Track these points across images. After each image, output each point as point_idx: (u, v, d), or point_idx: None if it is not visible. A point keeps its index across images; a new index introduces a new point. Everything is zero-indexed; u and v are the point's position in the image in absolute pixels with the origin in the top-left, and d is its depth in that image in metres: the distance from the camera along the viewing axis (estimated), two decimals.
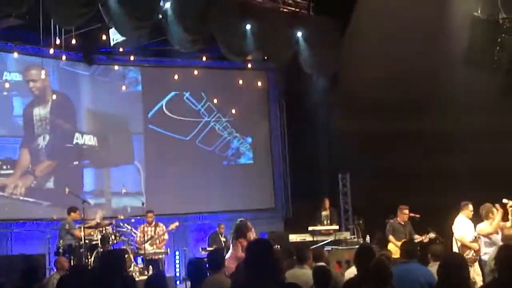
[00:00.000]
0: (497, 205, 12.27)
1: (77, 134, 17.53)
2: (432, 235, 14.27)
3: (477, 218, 12.91)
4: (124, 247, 14.72)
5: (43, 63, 16.27)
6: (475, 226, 12.72)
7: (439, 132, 16.64)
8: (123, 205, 17.65)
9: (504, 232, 11.23)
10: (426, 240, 14.13)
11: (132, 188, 17.84)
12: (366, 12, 16.51)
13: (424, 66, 16.29)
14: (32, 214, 16.42)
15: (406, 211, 14.81)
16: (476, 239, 12.68)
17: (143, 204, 16.03)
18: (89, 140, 17.71)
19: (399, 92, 16.66)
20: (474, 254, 12.27)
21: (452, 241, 13.14)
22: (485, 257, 11.63)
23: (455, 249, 12.86)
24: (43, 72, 16.35)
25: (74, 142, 17.48)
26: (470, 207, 13.04)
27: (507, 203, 12.10)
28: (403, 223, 14.77)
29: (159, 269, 14.68)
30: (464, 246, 12.54)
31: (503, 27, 13.65)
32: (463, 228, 12.87)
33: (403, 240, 13.87)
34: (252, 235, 11.51)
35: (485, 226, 12.02)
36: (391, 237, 14.65)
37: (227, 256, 11.66)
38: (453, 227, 13.10)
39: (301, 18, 16.23)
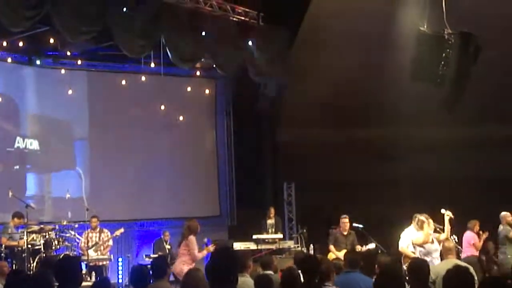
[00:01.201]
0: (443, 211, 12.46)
1: (18, 138, 17.17)
2: (371, 245, 14.42)
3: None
4: (67, 252, 14.56)
5: None
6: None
7: (384, 143, 16.93)
8: (65, 210, 17.38)
9: (444, 244, 11.42)
10: (363, 250, 14.26)
11: (75, 194, 17.60)
12: (315, 23, 16.69)
13: (371, 78, 16.55)
14: None
15: (346, 220, 14.91)
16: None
17: (87, 209, 15.86)
18: (31, 144, 17.39)
19: (346, 102, 16.89)
20: None
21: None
22: None
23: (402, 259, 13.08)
24: None
25: (15, 146, 17.14)
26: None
27: (444, 213, 12.31)
28: (345, 233, 14.88)
29: (103, 275, 14.55)
30: (406, 257, 12.74)
31: (448, 43, 13.89)
32: (407, 239, 13.11)
33: (343, 250, 14.06)
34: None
35: (419, 237, 12.20)
36: (331, 247, 14.79)
37: (178, 260, 11.76)
38: (400, 236, 13.32)
39: (250, 28, 16.30)
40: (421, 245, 11.97)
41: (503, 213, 13.97)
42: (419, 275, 6.96)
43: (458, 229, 13.47)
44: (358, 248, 14.46)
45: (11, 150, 17.07)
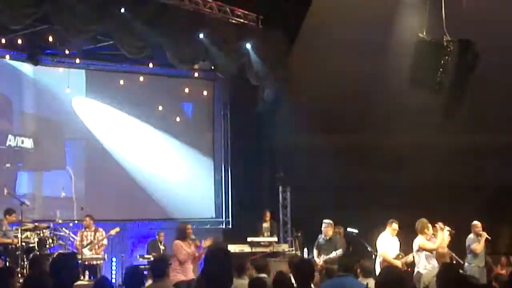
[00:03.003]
0: (440, 223, 12.53)
1: (10, 136, 17.09)
2: (339, 252, 14.31)
3: (408, 233, 13.20)
4: (61, 251, 14.53)
5: None
6: (401, 243, 13.11)
7: (381, 148, 16.90)
8: (55, 209, 17.34)
9: (438, 250, 11.51)
10: (337, 256, 14.19)
11: (66, 193, 17.56)
12: (314, 27, 16.69)
13: (370, 82, 16.54)
14: None
15: (324, 226, 14.69)
16: (398, 256, 13.07)
17: (81, 209, 15.82)
18: (22, 142, 17.30)
19: (344, 106, 16.89)
20: None
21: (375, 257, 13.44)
22: (423, 271, 11.84)
23: (377, 264, 13.11)
24: None
25: (7, 144, 17.05)
26: (395, 225, 13.44)
27: (443, 228, 12.39)
28: (327, 238, 14.72)
29: (97, 275, 14.53)
30: (385, 262, 12.79)
31: (447, 50, 13.93)
32: (386, 244, 13.20)
33: (322, 256, 14.12)
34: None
35: (426, 241, 12.28)
36: (314, 251, 14.80)
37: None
38: (377, 242, 13.38)
39: (249, 30, 16.34)
40: (430, 251, 12.05)
41: (473, 222, 13.96)
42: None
43: (460, 234, 13.48)
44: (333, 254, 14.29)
45: (3, 148, 17.00)
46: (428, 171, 16.54)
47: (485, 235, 13.79)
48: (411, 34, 14.57)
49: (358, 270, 9.25)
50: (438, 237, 12.33)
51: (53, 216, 16.65)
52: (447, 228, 12.45)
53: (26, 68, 17.28)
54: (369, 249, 13.95)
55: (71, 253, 10.48)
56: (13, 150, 17.18)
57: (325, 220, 14.70)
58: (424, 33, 14.05)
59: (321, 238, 14.74)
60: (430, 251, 12.07)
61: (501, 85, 15.89)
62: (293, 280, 7.92)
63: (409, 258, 13.02)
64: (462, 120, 15.68)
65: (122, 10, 13.57)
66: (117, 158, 18.33)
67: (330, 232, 14.63)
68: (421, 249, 12.29)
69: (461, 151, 16.33)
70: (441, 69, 14.09)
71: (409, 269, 12.90)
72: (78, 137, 18.31)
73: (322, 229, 14.68)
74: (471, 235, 13.88)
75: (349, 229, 15.05)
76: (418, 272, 12.13)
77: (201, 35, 15.26)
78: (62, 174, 17.85)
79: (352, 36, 16.20)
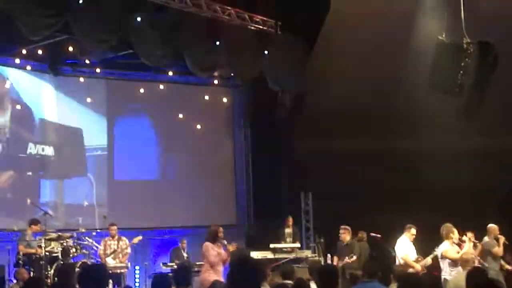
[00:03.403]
0: (470, 234, 12.47)
1: (30, 144, 17.21)
2: (354, 258, 14.29)
3: (426, 239, 13.16)
4: (85, 260, 14.59)
5: (8, 72, 16.15)
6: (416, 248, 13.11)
7: (402, 152, 16.85)
8: (77, 217, 17.41)
9: (463, 256, 11.40)
10: (350, 261, 14.18)
11: (88, 201, 17.64)
12: (333, 32, 16.66)
13: (389, 87, 16.49)
14: None
15: (341, 231, 14.80)
16: (418, 260, 12.98)
17: (104, 217, 15.88)
18: (43, 150, 17.40)
19: (364, 111, 16.84)
20: None
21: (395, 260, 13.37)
22: (448, 277, 11.77)
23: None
24: (7, 82, 16.23)
25: (27, 152, 17.16)
26: (413, 230, 13.35)
27: (468, 237, 12.33)
28: (344, 244, 14.76)
29: (122, 283, 14.58)
30: (407, 265, 12.74)
31: (467, 52, 13.82)
32: (405, 248, 13.13)
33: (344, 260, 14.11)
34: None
35: (450, 249, 12.15)
36: (334, 257, 14.80)
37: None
38: (396, 247, 13.35)
39: (268, 37, 16.33)
40: (452, 259, 11.95)
41: (491, 225, 13.82)
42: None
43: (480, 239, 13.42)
44: (346, 260, 14.28)
45: (24, 156, 17.12)
46: (450, 174, 16.46)
47: (503, 238, 13.66)
48: (430, 36, 14.49)
49: (392, 275, 9.24)
50: (464, 247, 12.23)
51: (76, 223, 16.75)
52: (474, 240, 12.39)
53: (46, 77, 17.42)
54: (393, 254, 13.88)
55: (100, 265, 10.47)
56: (34, 158, 17.32)
57: (342, 226, 14.78)
58: (444, 35, 13.96)
59: (339, 244, 14.83)
60: (452, 260, 11.95)
61: None
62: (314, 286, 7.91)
63: (428, 261, 12.97)
64: (482, 123, 15.57)
65: (139, 19, 13.61)
66: (138, 166, 18.40)
67: (347, 237, 14.71)
68: (444, 257, 12.19)
69: (483, 153, 16.25)
70: (461, 71, 13.97)
71: (435, 273, 12.81)
72: (98, 143, 18.39)
73: (340, 235, 14.75)
74: (486, 238, 13.73)
75: (372, 234, 15.03)
76: (444, 279, 12.03)
77: (220, 42, 15.28)
78: (83, 182, 17.96)
79: (371, 40, 16.18)
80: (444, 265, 12.21)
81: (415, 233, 13.34)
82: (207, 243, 11.93)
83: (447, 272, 12.09)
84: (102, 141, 18.40)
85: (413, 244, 13.40)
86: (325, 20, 16.65)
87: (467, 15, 13.72)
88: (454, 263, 11.87)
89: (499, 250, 13.56)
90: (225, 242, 12.11)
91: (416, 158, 16.91)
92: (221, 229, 12.38)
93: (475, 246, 12.58)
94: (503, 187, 16.47)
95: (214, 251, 11.80)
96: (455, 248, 12.18)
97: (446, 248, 12.18)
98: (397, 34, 15.74)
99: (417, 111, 16.33)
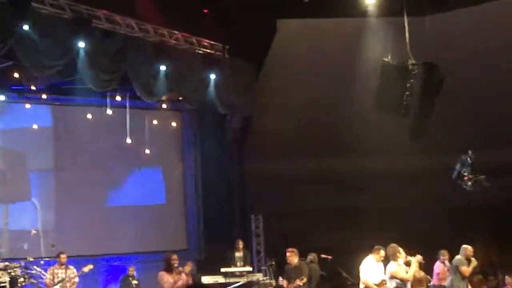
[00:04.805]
0: (419, 256, 12.48)
1: None
2: (304, 279, 14.28)
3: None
4: None
5: None
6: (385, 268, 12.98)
7: (350, 173, 17.01)
8: (23, 243, 17.05)
9: (415, 275, 11.43)
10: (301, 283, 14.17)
11: (33, 226, 17.31)
12: (280, 55, 16.78)
13: (337, 108, 16.65)
14: None
15: (288, 254, 14.67)
16: (382, 283, 12.83)
17: (53, 246, 15.56)
18: None
19: (312, 133, 16.97)
20: None
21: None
22: None
23: None
24: None
25: None
26: (382, 252, 13.02)
27: (415, 258, 12.32)
28: (292, 266, 14.66)
29: None
30: None
31: (412, 73, 14.02)
32: (369, 270, 13.04)
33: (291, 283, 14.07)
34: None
35: (398, 269, 12.10)
36: (284, 281, 14.74)
37: None
38: (360, 267, 13.27)
39: (216, 60, 16.35)
40: (402, 280, 11.91)
41: (465, 245, 13.95)
42: None
43: (427, 259, 13.47)
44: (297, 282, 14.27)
45: None
46: (400, 193, 16.65)
47: (475, 262, 13.75)
48: (376, 58, 14.66)
49: None
50: (412, 266, 12.17)
51: (21, 250, 16.38)
52: (419, 257, 12.35)
53: None
54: (344, 275, 13.92)
55: None
56: None
57: (288, 249, 14.65)
58: (389, 57, 14.13)
59: (287, 267, 14.73)
60: (402, 280, 11.93)
61: (466, 106, 16.12)
62: None
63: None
64: (429, 142, 15.78)
65: (83, 44, 13.49)
66: (85, 192, 18.15)
67: (294, 259, 14.51)
68: (393, 277, 12.14)
69: (429, 172, 16.47)
70: (407, 93, 14.14)
71: None
72: (45, 169, 18.10)
73: (287, 257, 14.64)
74: (458, 256, 13.79)
75: (323, 256, 15.03)
76: None
77: (167, 66, 15.23)
78: (29, 207, 17.63)
79: (318, 63, 16.35)
80: (391, 286, 12.15)
81: (384, 255, 13.11)
82: (162, 272, 11.76)
83: None
84: (47, 166, 18.11)
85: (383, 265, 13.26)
86: (273, 43, 16.75)
87: (412, 36, 13.93)
88: (403, 283, 11.86)
89: (467, 269, 13.58)
90: (180, 269, 11.95)
91: (365, 178, 17.08)
92: (174, 256, 12.19)
93: (420, 267, 12.51)
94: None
95: (170, 280, 11.65)
96: (404, 268, 12.13)
97: (394, 269, 12.04)
98: (343, 56, 15.91)
99: (365, 132, 16.50)
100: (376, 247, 13.21)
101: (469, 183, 13.38)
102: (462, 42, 15.74)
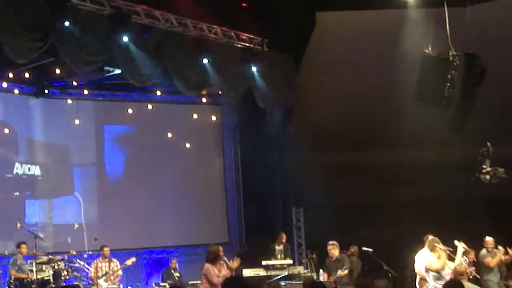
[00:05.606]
0: (462, 244, 12.33)
1: (17, 164, 17.11)
2: (346, 271, 14.25)
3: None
4: (76, 283, 14.51)
5: None
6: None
7: (391, 165, 16.89)
8: (67, 236, 17.29)
9: (456, 268, 11.29)
10: (342, 274, 14.16)
11: (77, 220, 17.52)
12: (319, 48, 16.73)
13: (376, 101, 16.55)
14: None
15: (329, 247, 14.67)
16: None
17: (95, 239, 15.75)
18: (29, 170, 17.28)
19: (352, 125, 16.90)
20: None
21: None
22: None
23: (417, 283, 12.91)
24: None
25: (14, 172, 17.06)
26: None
27: (458, 245, 12.17)
28: (333, 259, 14.66)
29: None
30: (422, 280, 12.62)
31: (453, 64, 13.89)
32: (423, 261, 12.91)
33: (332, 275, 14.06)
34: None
35: (432, 261, 12.00)
36: (324, 274, 14.75)
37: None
38: (415, 258, 13.11)
39: (255, 54, 16.36)
40: (436, 271, 11.81)
41: (486, 238, 13.80)
42: None
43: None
44: (340, 273, 14.25)
45: (10, 177, 17.00)
46: (440, 186, 16.50)
47: (502, 250, 13.62)
48: (416, 49, 14.55)
49: None
50: (457, 256, 12.03)
51: (65, 243, 16.63)
52: (462, 245, 12.21)
53: (35, 100, 17.34)
54: (385, 267, 13.85)
55: None
56: (20, 178, 17.21)
57: (329, 242, 14.68)
58: (430, 48, 14.01)
59: (327, 260, 14.75)
60: (436, 271, 11.81)
61: (508, 97, 15.89)
62: None
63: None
64: (470, 135, 15.61)
65: (126, 39, 13.58)
66: (128, 186, 18.35)
67: (335, 252, 14.59)
68: (427, 269, 12.02)
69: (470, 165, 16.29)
70: (448, 84, 14.02)
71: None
72: (87, 163, 18.33)
73: (328, 251, 14.66)
74: (483, 251, 13.75)
75: (364, 249, 14.99)
76: None
77: (205, 61, 15.29)
78: (71, 201, 17.87)
79: (357, 55, 16.26)
80: (429, 278, 12.04)
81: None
82: (208, 265, 11.74)
83: (432, 286, 11.95)
84: (90, 160, 18.34)
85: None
86: (312, 36, 16.71)
87: (453, 27, 13.79)
88: (439, 275, 11.74)
89: (490, 260, 13.54)
90: (226, 259, 11.95)
91: (406, 171, 16.95)
92: (221, 248, 12.20)
93: (466, 253, 12.40)
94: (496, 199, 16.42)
95: (217, 272, 11.67)
96: (442, 260, 11.96)
97: (429, 261, 11.94)
98: (383, 48, 15.79)
99: (405, 124, 16.37)
100: (426, 236, 13.07)
101: (487, 176, 13.22)
102: (503, 33, 15.50)
